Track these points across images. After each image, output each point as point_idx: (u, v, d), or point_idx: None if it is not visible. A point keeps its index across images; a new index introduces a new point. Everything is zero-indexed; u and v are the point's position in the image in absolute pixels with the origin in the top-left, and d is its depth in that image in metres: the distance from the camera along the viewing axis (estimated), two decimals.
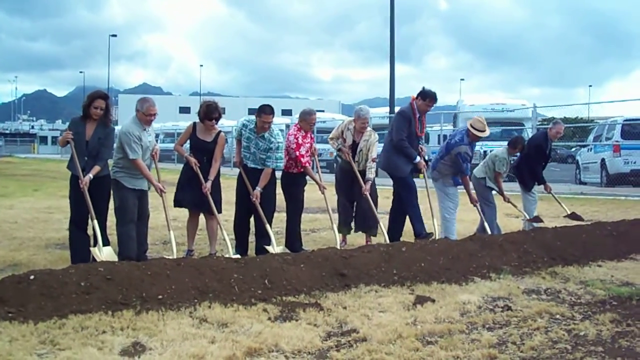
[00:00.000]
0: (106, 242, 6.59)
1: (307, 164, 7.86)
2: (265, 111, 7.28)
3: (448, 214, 8.39)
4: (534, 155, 9.37)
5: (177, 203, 7.51)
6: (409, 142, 8.17)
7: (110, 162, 6.91)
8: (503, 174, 9.12)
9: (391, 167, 8.31)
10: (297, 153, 7.72)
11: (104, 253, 6.38)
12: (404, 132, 8.17)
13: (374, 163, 8.12)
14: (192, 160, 7.23)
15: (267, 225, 7.34)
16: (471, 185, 8.80)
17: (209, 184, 7.16)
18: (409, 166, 8.29)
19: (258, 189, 7.29)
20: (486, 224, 8.54)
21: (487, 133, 8.48)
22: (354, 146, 8.19)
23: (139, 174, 6.82)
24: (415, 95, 8.37)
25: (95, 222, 6.46)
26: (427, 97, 8.27)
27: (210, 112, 7.25)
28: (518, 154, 9.41)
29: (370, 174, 8.07)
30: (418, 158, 8.26)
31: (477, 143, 9.17)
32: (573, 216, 9.80)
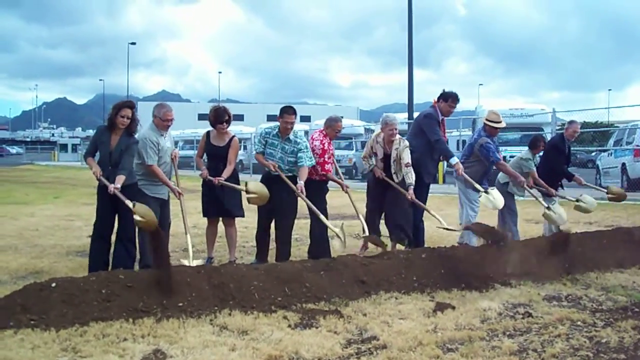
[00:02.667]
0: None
1: (330, 171, 7.77)
2: (287, 112, 7.30)
3: (472, 218, 8.35)
4: (553, 156, 9.33)
5: (204, 213, 7.65)
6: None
7: None
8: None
9: (420, 166, 8.00)
10: (322, 159, 7.65)
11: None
12: (438, 132, 8.08)
13: (409, 168, 7.69)
14: (204, 173, 7.27)
15: (322, 216, 7.17)
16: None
17: (224, 175, 7.14)
18: (432, 174, 8.34)
19: (301, 183, 7.14)
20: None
21: (503, 124, 8.53)
22: (387, 159, 7.96)
23: (159, 182, 6.86)
24: (435, 99, 8.32)
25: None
26: (449, 97, 8.24)
27: (219, 116, 7.34)
28: (541, 152, 9.38)
29: (409, 179, 7.65)
30: (456, 159, 8.08)
31: (498, 148, 9.10)
32: (613, 192, 9.67)
